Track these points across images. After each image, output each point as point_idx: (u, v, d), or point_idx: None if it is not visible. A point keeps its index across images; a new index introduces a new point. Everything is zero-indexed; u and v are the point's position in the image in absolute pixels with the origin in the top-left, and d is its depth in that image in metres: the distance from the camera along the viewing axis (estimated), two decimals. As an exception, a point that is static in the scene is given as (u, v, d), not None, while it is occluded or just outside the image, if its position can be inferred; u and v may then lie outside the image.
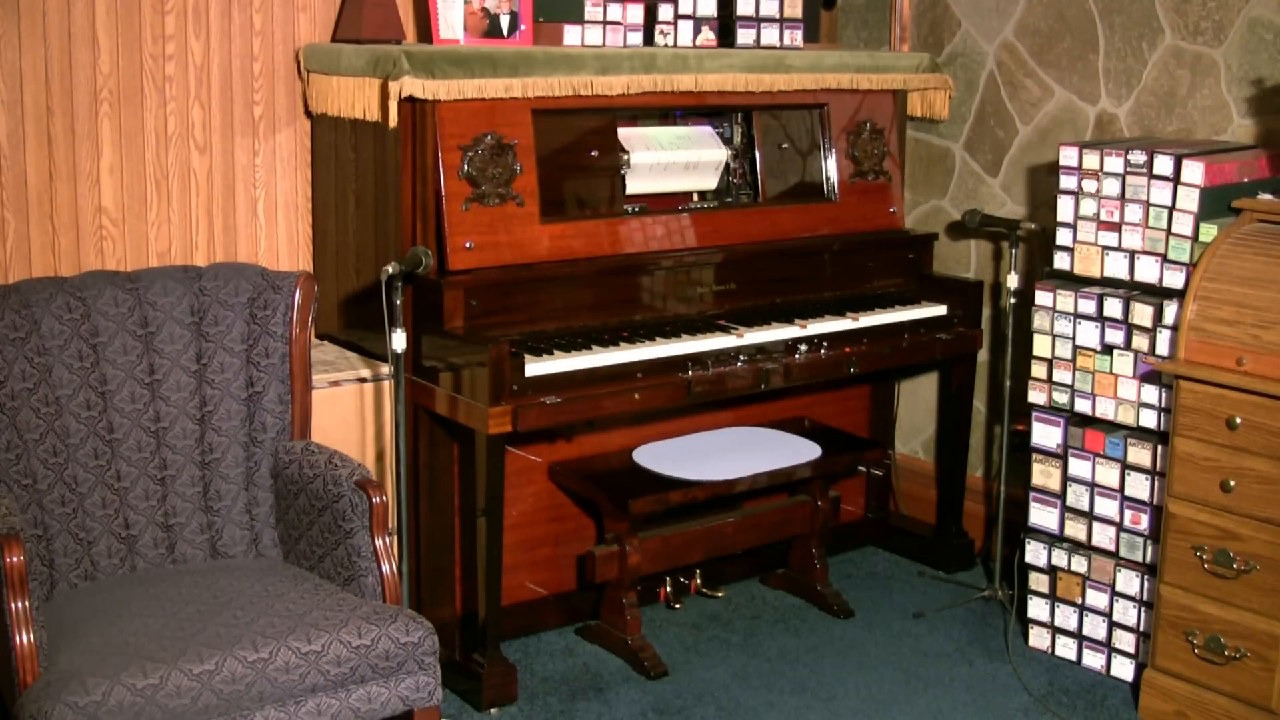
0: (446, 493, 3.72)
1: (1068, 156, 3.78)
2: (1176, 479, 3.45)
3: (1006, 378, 4.19)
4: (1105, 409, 3.73)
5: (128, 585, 3.11)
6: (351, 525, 3.08)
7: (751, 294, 4.09)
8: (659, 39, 4.11)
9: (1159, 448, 3.60)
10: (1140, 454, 3.65)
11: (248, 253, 3.99)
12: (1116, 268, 3.72)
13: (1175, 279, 3.58)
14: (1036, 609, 3.96)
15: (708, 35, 4.20)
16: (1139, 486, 3.66)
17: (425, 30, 4.08)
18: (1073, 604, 3.86)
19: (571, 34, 3.94)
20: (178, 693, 2.63)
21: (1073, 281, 3.83)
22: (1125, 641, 3.76)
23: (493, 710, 3.58)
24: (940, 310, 4.33)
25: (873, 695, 3.70)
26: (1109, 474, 3.72)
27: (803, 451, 4.05)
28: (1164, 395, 3.59)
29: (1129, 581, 3.72)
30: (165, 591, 3.05)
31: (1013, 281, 4.21)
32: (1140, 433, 3.68)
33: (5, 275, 3.63)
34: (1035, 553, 3.93)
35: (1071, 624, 3.87)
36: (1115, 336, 3.70)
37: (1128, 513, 3.70)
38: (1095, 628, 3.82)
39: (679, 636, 4.02)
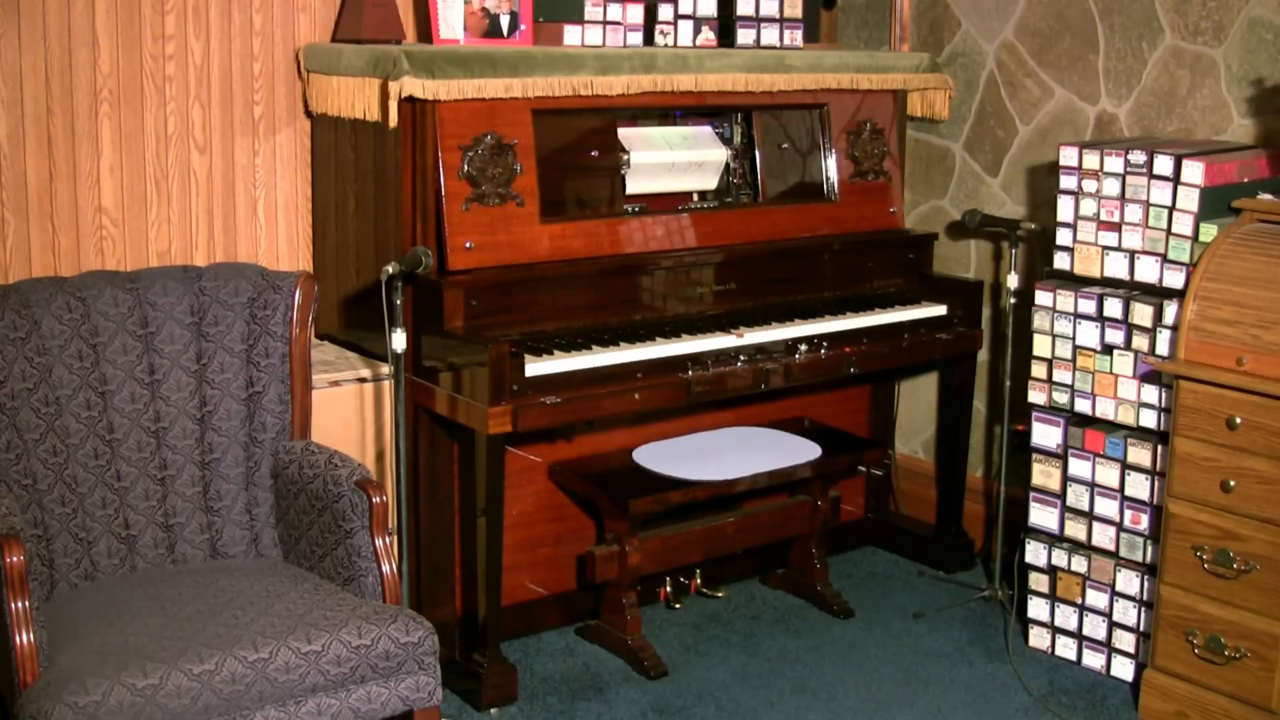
0: (446, 493, 3.72)
1: (1068, 156, 3.79)
2: (1176, 479, 3.45)
3: (1006, 378, 4.19)
4: (1105, 409, 3.73)
5: (128, 585, 3.11)
6: (351, 525, 3.08)
7: (751, 294, 4.09)
8: (659, 39, 4.11)
9: (1159, 448, 3.60)
10: (1140, 454, 3.65)
11: (248, 253, 3.99)
12: (1116, 268, 3.72)
13: (1175, 279, 3.58)
14: (1036, 609, 3.96)
15: (708, 35, 4.20)
16: (1139, 486, 3.66)
17: (425, 30, 4.08)
18: (1073, 604, 3.86)
19: (571, 34, 3.94)
20: (178, 693, 2.63)
21: (1073, 281, 3.83)
22: (1125, 641, 3.76)
23: (493, 710, 3.58)
24: (940, 310, 4.33)
25: (873, 695, 3.70)
26: (1109, 474, 3.72)
27: (803, 451, 4.05)
28: (1164, 395, 3.59)
29: (1129, 581, 3.72)
30: (165, 591, 3.05)
31: (1013, 281, 4.21)
32: (1140, 433, 3.68)
33: (5, 275, 3.63)
34: (1035, 553, 3.93)
35: (1071, 624, 3.87)
36: (1115, 336, 3.70)
37: (1128, 513, 3.70)
38: (1095, 628, 3.82)
39: (679, 636, 4.02)
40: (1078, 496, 3.80)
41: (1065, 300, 3.79)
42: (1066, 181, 3.79)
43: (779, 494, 4.28)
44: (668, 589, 4.10)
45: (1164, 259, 3.61)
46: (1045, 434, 3.87)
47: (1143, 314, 3.63)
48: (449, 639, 3.71)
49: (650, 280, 3.91)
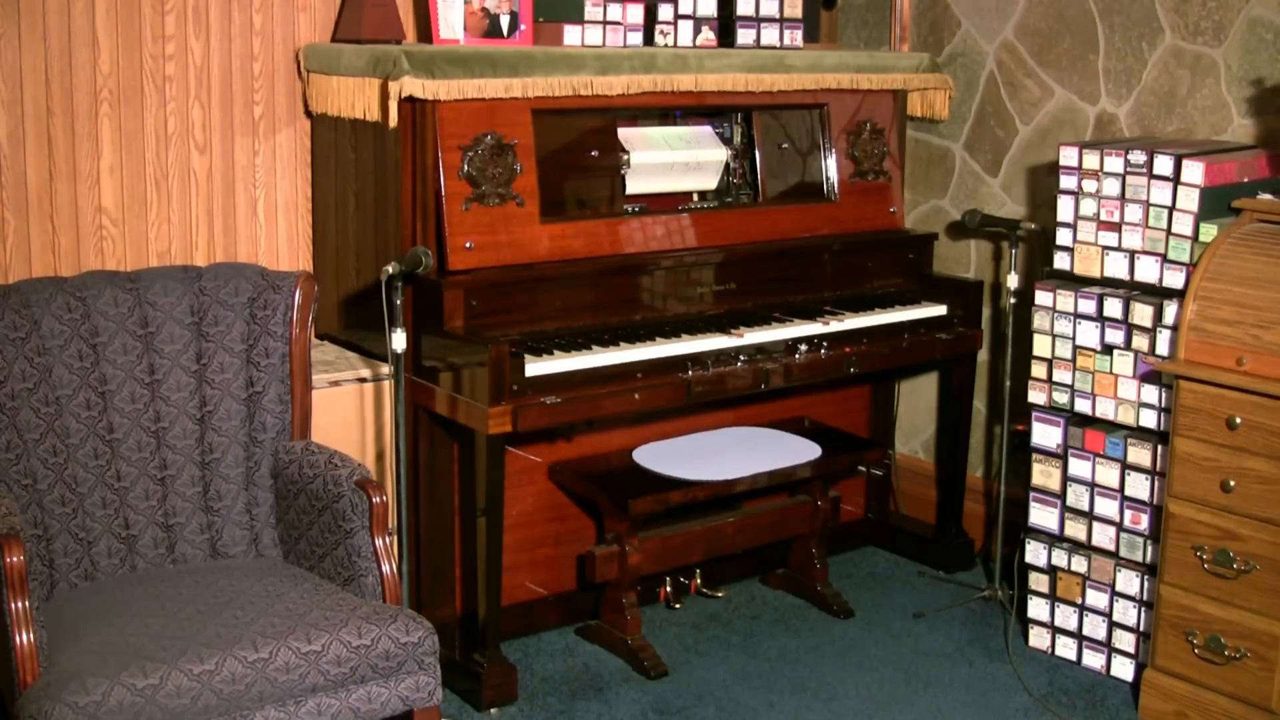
0: (446, 493, 3.72)
1: (1068, 156, 3.79)
2: (1176, 479, 3.45)
3: (1006, 378, 4.19)
4: (1105, 409, 3.73)
5: (128, 585, 3.11)
6: (351, 525, 3.08)
7: (751, 294, 4.09)
8: (659, 39, 4.11)
9: (1159, 448, 3.60)
10: (1140, 454, 3.65)
11: (248, 253, 3.99)
12: (1116, 268, 3.72)
13: (1175, 279, 3.58)
14: (1036, 609, 3.96)
15: (708, 35, 4.20)
16: (1139, 486, 3.66)
17: (425, 30, 4.08)
18: (1073, 604, 3.86)
19: (571, 34, 3.94)
20: (178, 693, 2.63)
21: (1073, 281, 3.83)
22: (1125, 641, 3.76)
23: (493, 710, 3.58)
24: (940, 310, 4.33)
25: (873, 695, 3.70)
26: (1109, 474, 3.72)
27: (803, 451, 4.05)
28: (1164, 395, 3.59)
29: (1129, 581, 3.72)
30: (165, 591, 3.05)
31: (1013, 281, 4.21)
32: (1140, 433, 3.68)
33: (5, 275, 3.63)
34: (1035, 553, 3.93)
35: (1071, 624, 3.87)
36: (1115, 336, 3.70)
37: (1128, 513, 3.70)
38: (1095, 628, 3.82)
39: (679, 636, 4.02)
40: (1078, 496, 3.80)
41: (1065, 300, 3.79)
42: (1066, 181, 3.79)
43: (779, 494, 4.28)
44: (668, 589, 4.10)
45: (1164, 259, 3.61)
46: (1045, 434, 3.87)
47: (1143, 314, 3.63)
48: (449, 639, 3.71)
49: (650, 280, 3.91)
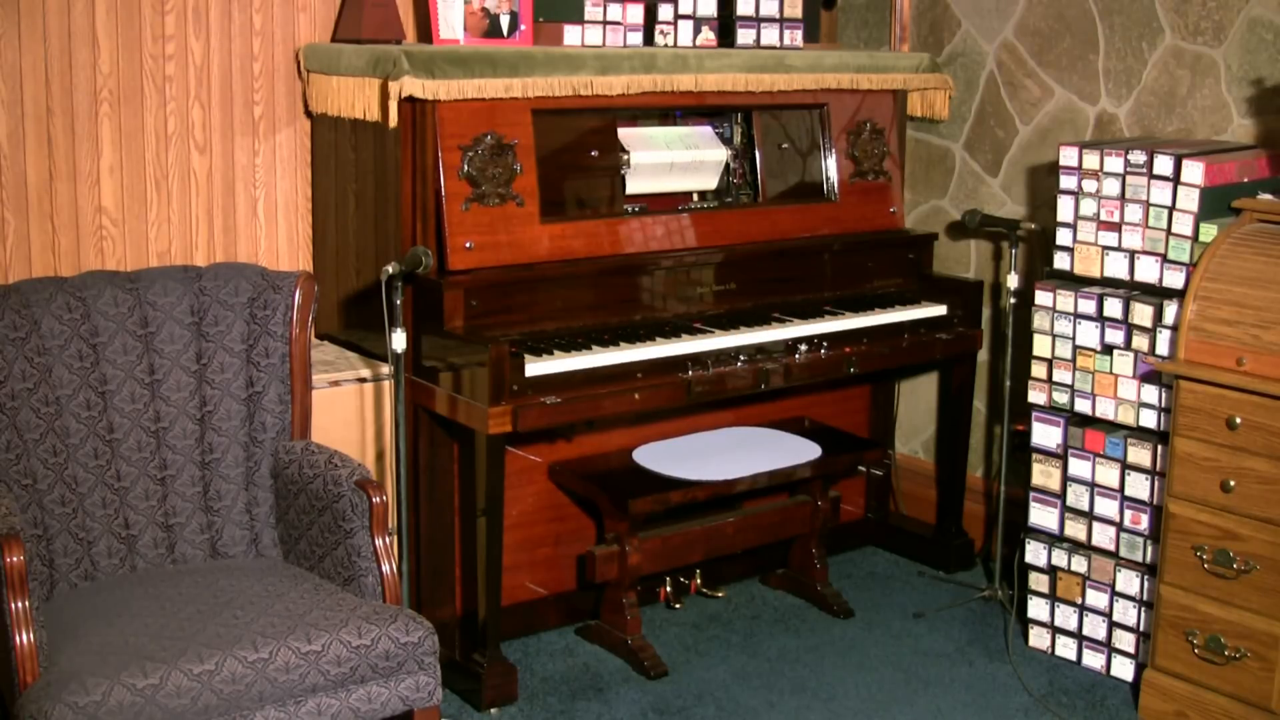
0: (446, 493, 3.72)
1: (1068, 156, 3.79)
2: (1176, 479, 3.45)
3: (1006, 378, 4.19)
4: (1105, 409, 3.73)
5: (128, 585, 3.11)
6: (351, 525, 3.09)
7: (751, 294, 4.09)
8: (659, 39, 4.11)
9: (1159, 448, 3.60)
10: (1140, 454, 3.65)
11: (248, 253, 3.99)
12: (1116, 268, 3.72)
13: (1175, 279, 3.58)
14: (1036, 609, 3.96)
15: (708, 35, 4.20)
16: (1139, 486, 3.66)
17: (425, 30, 4.08)
18: (1073, 604, 3.86)
19: (571, 34, 3.94)
20: (178, 693, 2.63)
21: (1073, 281, 3.83)
22: (1125, 641, 3.76)
23: (493, 710, 3.58)
24: (940, 310, 4.33)
25: (873, 695, 3.70)
26: (1109, 474, 3.72)
27: (803, 451, 4.05)
28: (1164, 395, 3.60)
29: (1129, 581, 3.72)
30: (165, 591, 3.05)
31: (1013, 281, 4.21)
32: (1140, 433, 3.68)
33: (5, 275, 3.63)
34: (1035, 553, 3.93)
35: (1071, 624, 3.87)
36: (1115, 336, 3.70)
37: (1128, 513, 3.70)
38: (1095, 628, 3.82)
39: (679, 636, 4.02)
40: (1078, 496, 3.80)
41: (1065, 300, 3.79)
42: (1066, 181, 3.79)
43: (779, 494, 4.28)
44: (668, 589, 4.10)
45: (1164, 259, 3.61)
46: (1045, 434, 3.87)
47: (1143, 314, 3.63)
48: (449, 639, 3.71)
49: (650, 280, 3.91)
